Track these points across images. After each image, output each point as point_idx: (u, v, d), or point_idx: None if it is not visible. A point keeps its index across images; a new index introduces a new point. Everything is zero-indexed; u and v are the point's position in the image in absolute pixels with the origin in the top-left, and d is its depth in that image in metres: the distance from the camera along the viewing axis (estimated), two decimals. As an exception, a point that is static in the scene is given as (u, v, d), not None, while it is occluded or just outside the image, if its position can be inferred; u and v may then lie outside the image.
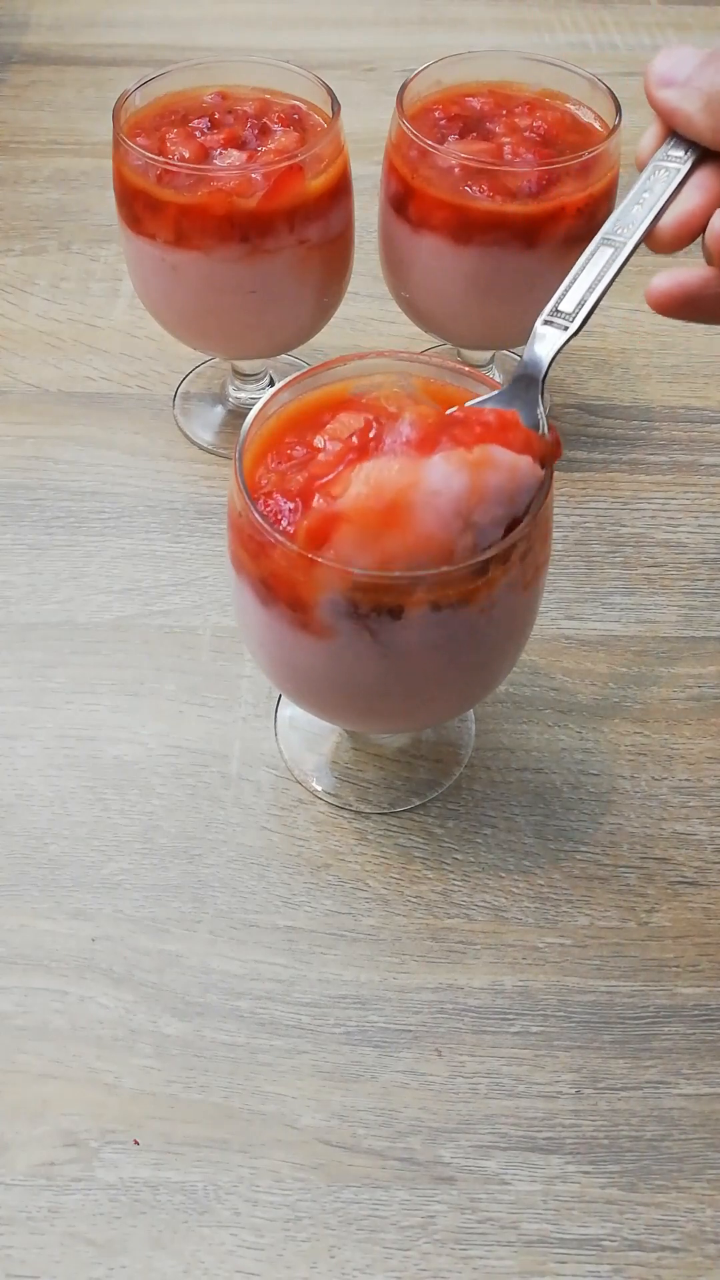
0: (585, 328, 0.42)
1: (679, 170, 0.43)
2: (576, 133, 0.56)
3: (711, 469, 0.63)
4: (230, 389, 0.66)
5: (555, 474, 0.38)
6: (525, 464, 0.37)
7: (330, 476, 0.37)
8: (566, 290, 0.43)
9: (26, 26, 0.95)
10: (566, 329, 0.42)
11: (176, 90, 0.57)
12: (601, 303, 0.42)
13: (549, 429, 0.40)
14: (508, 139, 0.54)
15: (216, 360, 0.68)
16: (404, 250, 0.57)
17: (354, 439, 0.38)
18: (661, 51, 0.43)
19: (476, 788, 0.50)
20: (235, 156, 0.53)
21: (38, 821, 0.48)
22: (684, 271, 0.41)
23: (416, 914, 0.46)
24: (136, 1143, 0.40)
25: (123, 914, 0.46)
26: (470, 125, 0.56)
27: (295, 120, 0.56)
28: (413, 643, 0.38)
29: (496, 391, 0.41)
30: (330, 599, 0.36)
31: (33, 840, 0.48)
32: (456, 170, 0.53)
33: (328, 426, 0.39)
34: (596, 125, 0.57)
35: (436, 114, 0.56)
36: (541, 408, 0.41)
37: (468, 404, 0.40)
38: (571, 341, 0.42)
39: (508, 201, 0.52)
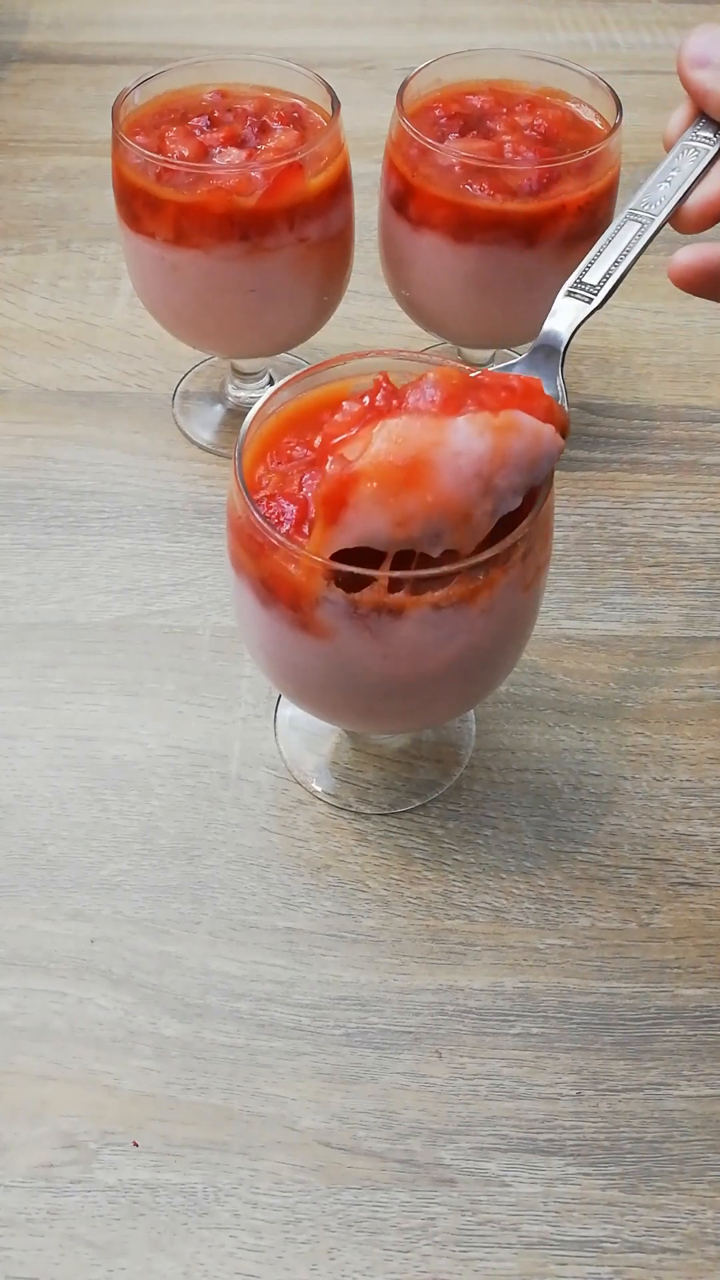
0: (602, 308, 0.42)
1: (709, 151, 0.43)
2: (577, 131, 0.56)
3: (713, 468, 0.63)
4: (230, 388, 0.66)
5: (556, 474, 0.38)
6: (548, 432, 0.37)
7: (347, 435, 0.36)
8: (591, 263, 0.43)
9: (26, 25, 0.95)
10: (590, 300, 0.42)
11: (176, 88, 0.57)
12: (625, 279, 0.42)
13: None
14: (508, 137, 0.54)
15: (216, 359, 0.68)
16: (404, 249, 0.56)
17: (373, 399, 0.37)
18: (695, 30, 0.43)
19: (477, 788, 0.50)
20: (235, 155, 0.53)
21: (36, 822, 0.48)
22: (708, 246, 0.41)
23: (417, 915, 0.46)
24: (136, 1144, 0.40)
25: (122, 915, 0.46)
26: (470, 123, 0.56)
27: (295, 118, 0.56)
28: (413, 643, 0.37)
29: (516, 360, 0.41)
30: (330, 599, 0.36)
31: (31, 841, 0.48)
32: (457, 168, 0.52)
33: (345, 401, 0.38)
34: (597, 123, 0.56)
35: (437, 112, 0.56)
36: (561, 379, 0.41)
37: (490, 368, 0.40)
38: (586, 322, 0.42)
39: (508, 200, 0.52)
